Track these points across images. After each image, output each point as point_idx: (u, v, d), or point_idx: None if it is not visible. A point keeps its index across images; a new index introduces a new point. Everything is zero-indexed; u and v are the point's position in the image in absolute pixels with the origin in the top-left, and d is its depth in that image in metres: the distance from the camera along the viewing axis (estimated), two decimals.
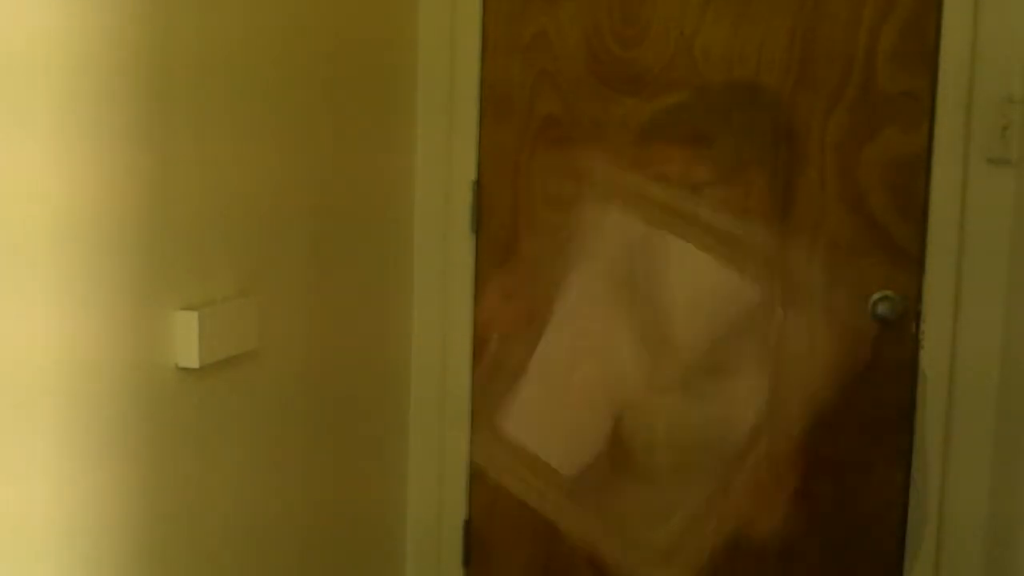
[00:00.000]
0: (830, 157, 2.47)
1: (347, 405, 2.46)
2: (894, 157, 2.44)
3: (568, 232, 2.64)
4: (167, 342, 1.84)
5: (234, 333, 1.99)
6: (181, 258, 1.86)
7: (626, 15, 2.56)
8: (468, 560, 2.80)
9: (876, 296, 2.47)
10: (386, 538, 2.75)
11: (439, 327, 2.73)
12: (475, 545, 2.80)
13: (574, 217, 2.63)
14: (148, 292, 1.79)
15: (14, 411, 1.53)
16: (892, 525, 2.52)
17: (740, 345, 2.57)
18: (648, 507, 2.66)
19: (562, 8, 2.60)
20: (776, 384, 2.55)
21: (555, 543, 2.73)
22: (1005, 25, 2.31)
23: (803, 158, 2.49)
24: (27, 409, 1.55)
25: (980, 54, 2.33)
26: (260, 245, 2.09)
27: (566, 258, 2.65)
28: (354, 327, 2.47)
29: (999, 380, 2.36)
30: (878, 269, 2.47)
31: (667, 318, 2.61)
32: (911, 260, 2.45)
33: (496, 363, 2.71)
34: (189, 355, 1.86)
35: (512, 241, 2.69)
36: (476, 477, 2.76)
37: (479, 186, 2.69)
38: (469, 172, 2.68)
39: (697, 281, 2.58)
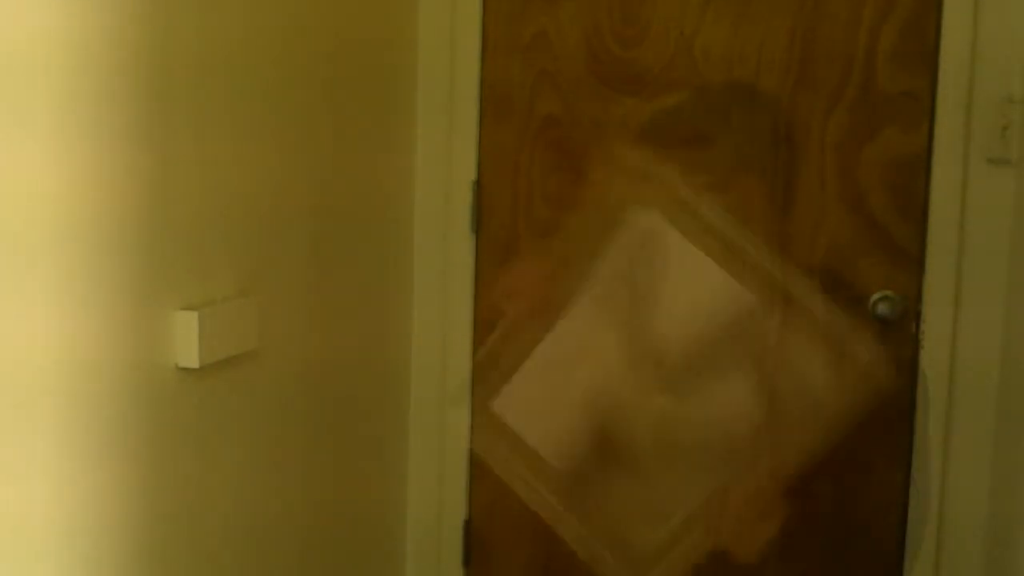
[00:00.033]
0: (830, 157, 2.47)
1: (347, 405, 2.46)
2: (894, 157, 2.44)
3: (567, 232, 2.64)
4: (167, 342, 1.84)
5: (234, 333, 1.99)
6: (181, 258, 1.86)
7: (626, 15, 2.56)
8: (468, 560, 2.80)
9: (876, 296, 2.47)
10: (386, 538, 2.75)
11: (439, 327, 2.73)
12: (475, 545, 2.80)
13: (573, 216, 2.63)
14: (148, 292, 1.79)
15: (14, 411, 1.53)
16: (892, 525, 2.52)
17: (739, 345, 2.57)
18: (647, 507, 2.66)
19: (562, 8, 2.60)
20: (776, 384, 2.55)
21: (555, 543, 2.73)
22: (1005, 25, 2.31)
23: (803, 158, 2.49)
24: (27, 409, 1.55)
25: (980, 54, 2.33)
26: (260, 245, 2.09)
27: (565, 258, 2.65)
28: (354, 327, 2.47)
29: (999, 380, 2.36)
30: (878, 269, 2.47)
31: (667, 318, 2.61)
32: (911, 260, 2.45)
33: (495, 359, 2.71)
34: (189, 355, 1.86)
35: (512, 241, 2.69)
36: (476, 477, 2.76)
37: (479, 186, 2.69)
38: (469, 172, 2.69)
39: (696, 281, 2.58)
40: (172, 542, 1.90)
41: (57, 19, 1.56)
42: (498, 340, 2.70)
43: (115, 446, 1.73)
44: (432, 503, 2.79)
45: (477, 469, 2.76)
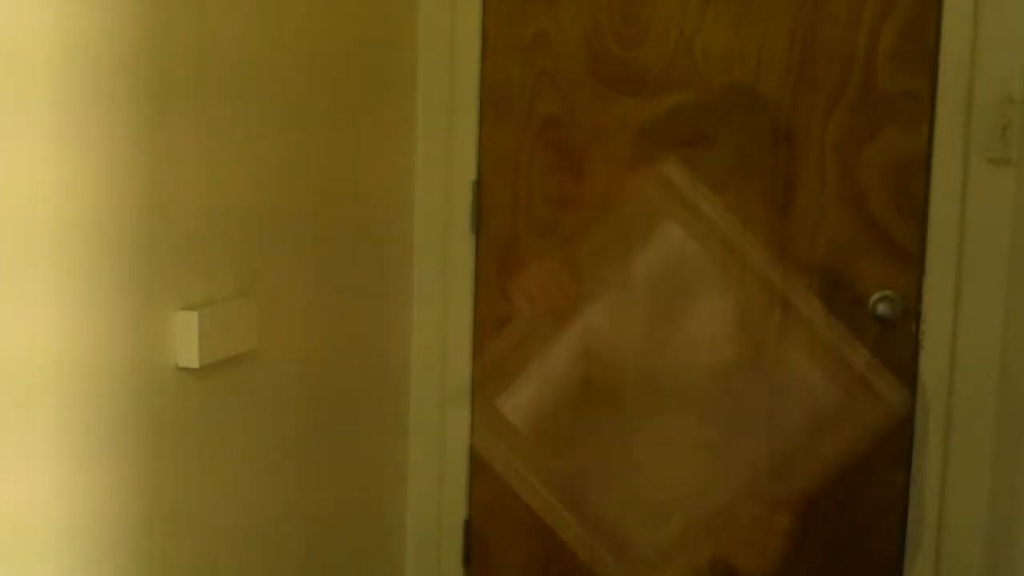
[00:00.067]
0: (830, 157, 2.47)
1: (347, 405, 2.46)
2: (894, 157, 2.44)
3: (567, 231, 2.64)
4: (167, 342, 1.84)
5: (234, 333, 1.99)
6: (181, 258, 1.86)
7: (626, 15, 2.56)
8: (468, 560, 2.80)
9: (876, 296, 2.47)
10: (386, 538, 2.75)
11: (439, 327, 2.73)
12: (475, 545, 2.80)
13: (573, 216, 2.63)
14: (148, 292, 1.79)
15: (14, 411, 1.53)
16: (892, 525, 2.52)
17: (739, 345, 2.57)
18: (645, 508, 2.66)
19: (562, 8, 2.60)
20: (775, 384, 2.55)
21: (555, 543, 2.73)
22: (1005, 25, 2.31)
23: (803, 158, 2.49)
24: (27, 409, 1.55)
25: (980, 54, 2.33)
26: (260, 245, 2.09)
27: (565, 257, 2.65)
28: (354, 327, 2.47)
29: (999, 380, 2.36)
30: (878, 269, 2.47)
31: (666, 318, 2.61)
32: (911, 260, 2.45)
33: (501, 358, 2.71)
34: (189, 355, 1.86)
35: (512, 241, 2.69)
36: (476, 476, 2.77)
37: (479, 186, 2.69)
38: (469, 172, 2.69)
39: (696, 281, 2.58)
40: (172, 542, 1.90)
41: (57, 19, 1.56)
42: (505, 339, 2.70)
43: (115, 446, 1.73)
44: (432, 503, 2.79)
45: (477, 468, 2.76)
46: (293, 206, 2.20)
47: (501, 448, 2.73)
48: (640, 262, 2.60)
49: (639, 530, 2.68)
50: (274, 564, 2.23)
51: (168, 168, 1.81)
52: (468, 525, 2.79)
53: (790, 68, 2.47)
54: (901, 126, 2.43)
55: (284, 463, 2.23)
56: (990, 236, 2.36)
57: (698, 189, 2.55)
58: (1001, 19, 2.31)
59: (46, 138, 1.55)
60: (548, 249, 2.66)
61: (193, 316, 1.85)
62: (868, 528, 2.54)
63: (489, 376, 2.73)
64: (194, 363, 1.86)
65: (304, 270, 2.26)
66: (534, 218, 2.67)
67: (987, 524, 2.39)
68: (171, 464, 1.87)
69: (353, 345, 2.47)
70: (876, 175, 2.45)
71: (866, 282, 2.47)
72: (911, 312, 2.45)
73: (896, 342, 2.47)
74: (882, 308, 2.46)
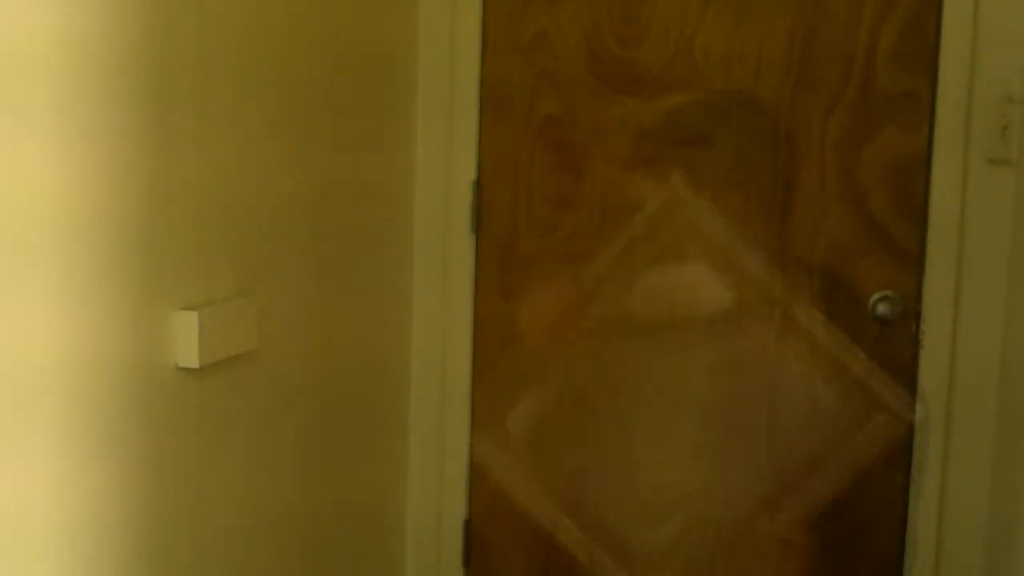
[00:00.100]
0: (830, 157, 2.47)
1: (347, 405, 2.46)
2: (894, 157, 2.44)
3: (567, 231, 2.64)
4: (167, 342, 1.84)
5: (234, 333, 1.99)
6: (181, 258, 1.86)
7: (626, 15, 2.56)
8: (468, 560, 2.80)
9: (876, 296, 2.47)
10: (386, 538, 2.75)
11: (439, 327, 2.73)
12: (475, 545, 2.80)
13: (573, 216, 2.63)
14: (148, 292, 1.79)
15: (14, 411, 1.53)
16: (892, 525, 2.52)
17: (739, 345, 2.57)
18: (645, 508, 2.66)
19: (562, 8, 2.60)
20: (776, 384, 2.55)
21: (555, 543, 2.73)
22: (1005, 25, 2.31)
23: (803, 158, 2.49)
24: (27, 409, 1.55)
25: (980, 54, 2.33)
26: (260, 245, 2.09)
27: (565, 257, 2.65)
28: (354, 327, 2.47)
29: (999, 380, 2.36)
30: (878, 269, 2.47)
31: (666, 318, 2.61)
32: (911, 260, 2.45)
33: (501, 365, 2.71)
34: (189, 355, 1.86)
35: (512, 241, 2.69)
36: (476, 477, 2.76)
37: (479, 186, 2.69)
38: (469, 172, 2.69)
39: (696, 281, 2.58)
40: (172, 542, 1.90)
41: (57, 19, 1.56)
42: (508, 349, 2.70)
43: (115, 446, 1.73)
44: (432, 503, 2.79)
45: (477, 469, 2.76)
46: (293, 206, 2.20)
47: (501, 449, 2.73)
48: (644, 277, 2.60)
49: (639, 531, 2.68)
50: (274, 564, 2.23)
51: (168, 168, 1.81)
52: (468, 525, 2.79)
53: (790, 68, 2.47)
54: (901, 126, 2.43)
55: (284, 463, 2.23)
56: (990, 236, 2.36)
57: (698, 189, 2.55)
58: (1001, 19, 2.31)
59: (46, 138, 1.55)
60: (548, 249, 2.66)
61: (193, 316, 1.85)
62: (868, 528, 2.54)
63: (490, 379, 2.73)
64: (194, 363, 1.86)
65: (304, 270, 2.26)
66: (534, 218, 2.67)
67: (987, 524, 2.39)
68: (171, 464, 1.87)
69: (353, 345, 2.47)
70: (876, 175, 2.45)
71: (866, 282, 2.47)
72: (911, 312, 2.45)
73: (896, 342, 2.47)
74: (882, 308, 2.46)
